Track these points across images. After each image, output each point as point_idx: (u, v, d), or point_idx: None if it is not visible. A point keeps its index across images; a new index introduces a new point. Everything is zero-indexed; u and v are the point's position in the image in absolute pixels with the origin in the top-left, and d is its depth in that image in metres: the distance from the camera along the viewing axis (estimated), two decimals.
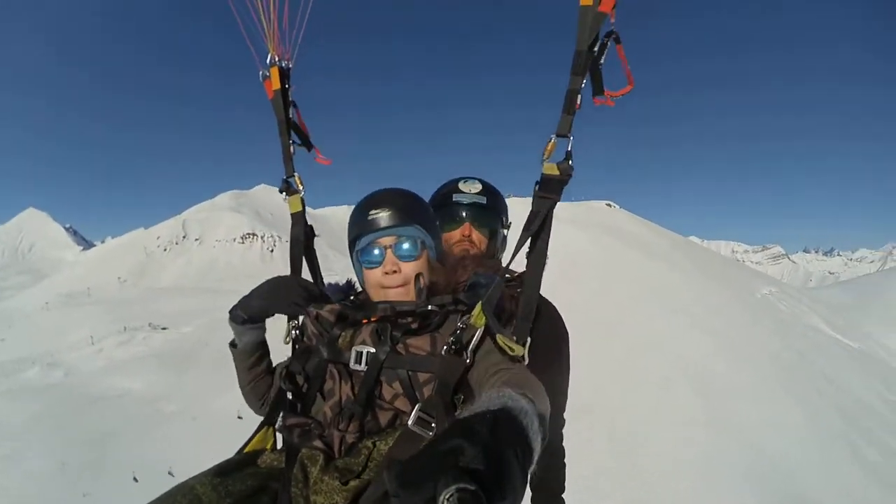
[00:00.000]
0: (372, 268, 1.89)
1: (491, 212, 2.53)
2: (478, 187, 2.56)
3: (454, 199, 2.52)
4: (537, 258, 1.84)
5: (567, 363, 2.31)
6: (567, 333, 2.33)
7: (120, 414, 73.58)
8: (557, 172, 1.78)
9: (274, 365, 2.21)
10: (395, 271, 1.85)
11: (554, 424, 2.24)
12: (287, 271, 2.32)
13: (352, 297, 2.05)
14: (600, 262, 50.92)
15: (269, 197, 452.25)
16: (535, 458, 1.10)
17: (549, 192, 1.79)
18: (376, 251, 1.88)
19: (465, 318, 1.74)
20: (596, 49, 1.76)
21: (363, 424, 1.68)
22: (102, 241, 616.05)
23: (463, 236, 2.46)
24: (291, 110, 2.44)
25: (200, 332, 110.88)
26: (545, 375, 1.87)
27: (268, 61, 2.39)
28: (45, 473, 53.25)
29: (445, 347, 1.68)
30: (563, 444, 2.42)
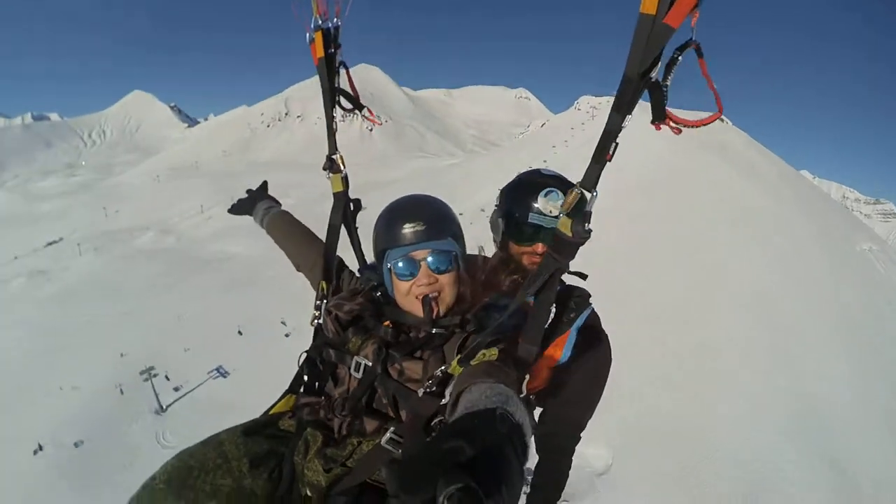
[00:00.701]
0: (406, 280, 1.89)
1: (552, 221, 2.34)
2: (560, 205, 2.05)
3: (531, 220, 2.29)
4: (538, 316, 1.79)
5: (600, 394, 2.30)
6: (610, 362, 2.29)
7: (226, 275, 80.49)
8: (570, 234, 1.65)
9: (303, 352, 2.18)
10: (431, 283, 1.87)
11: (569, 437, 2.28)
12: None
13: (380, 293, 2.04)
14: (694, 177, 47.81)
15: (368, 76, 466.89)
16: (528, 455, 1.13)
17: (558, 253, 1.70)
18: (408, 264, 1.88)
19: (445, 367, 1.73)
20: (654, 74, 1.47)
21: (354, 422, 1.81)
22: (205, 119, 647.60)
23: (536, 253, 2.30)
24: (338, 78, 2.30)
25: (300, 204, 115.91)
26: (581, 402, 2.21)
27: (311, 25, 2.19)
28: (164, 326, 59.11)
29: (425, 387, 1.72)
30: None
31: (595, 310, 2.27)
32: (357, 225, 2.39)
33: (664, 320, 29.81)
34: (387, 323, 1.96)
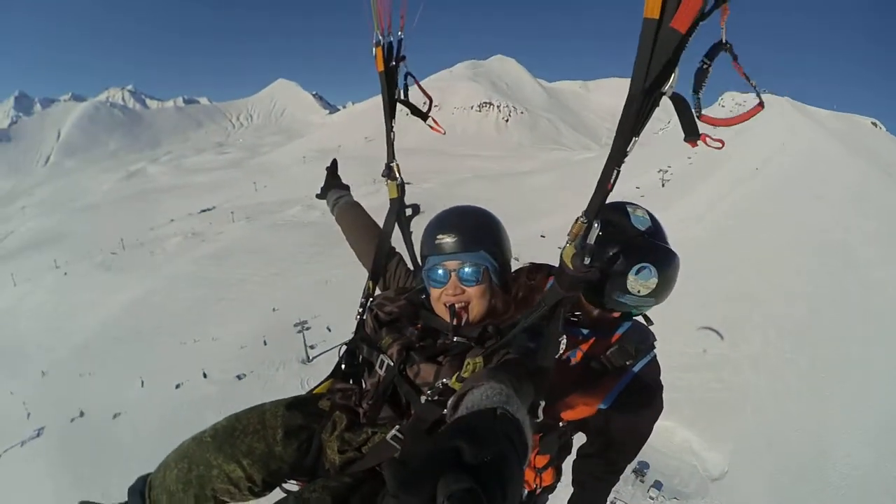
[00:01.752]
0: (437, 287, 2.07)
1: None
2: (650, 286, 2.20)
3: (619, 300, 2.23)
4: (547, 351, 1.79)
5: (641, 444, 2.39)
6: (657, 416, 2.34)
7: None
8: (571, 267, 1.59)
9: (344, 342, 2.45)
10: (458, 294, 2.02)
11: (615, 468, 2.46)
12: None
13: (424, 297, 2.23)
14: (852, 184, 44.77)
15: (503, 68, 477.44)
16: (529, 455, 1.15)
17: (559, 283, 1.68)
18: (441, 272, 2.04)
19: (446, 379, 1.85)
20: (668, 88, 1.32)
21: (373, 413, 1.99)
22: (344, 106, 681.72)
23: (601, 313, 2.35)
24: (400, 89, 2.47)
25: (439, 188, 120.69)
26: (621, 449, 2.36)
27: (373, 41, 2.35)
28: (312, 288, 64.63)
29: (428, 395, 1.85)
30: None
31: (656, 358, 2.31)
32: (412, 230, 2.57)
33: (796, 333, 29.05)
34: (418, 326, 2.13)
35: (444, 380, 1.84)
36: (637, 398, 2.20)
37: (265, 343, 50.95)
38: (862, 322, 28.58)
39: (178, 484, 1.92)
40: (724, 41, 1.26)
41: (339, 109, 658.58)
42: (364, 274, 2.54)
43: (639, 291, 2.13)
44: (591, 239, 1.55)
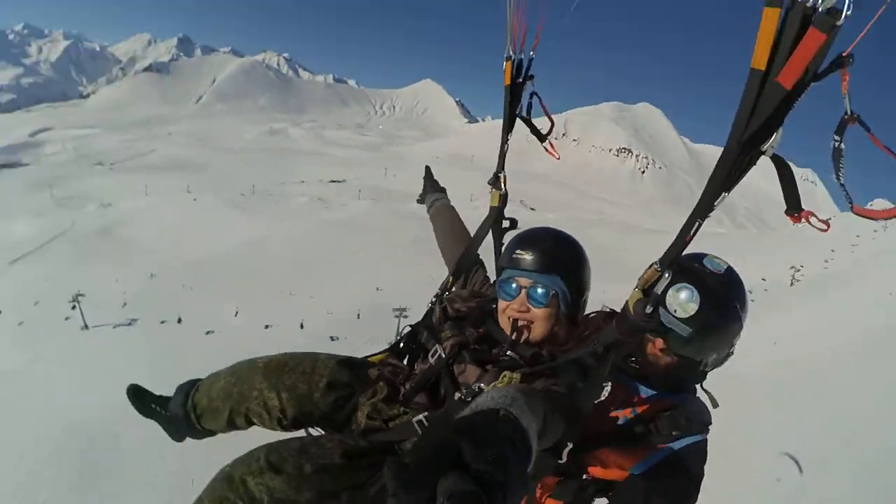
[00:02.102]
0: (506, 300, 2.09)
1: (690, 344, 2.13)
2: (690, 309, 2.08)
3: (661, 320, 2.12)
4: (594, 387, 1.82)
5: None
6: (701, 478, 2.18)
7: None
8: (634, 315, 1.54)
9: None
10: (523, 311, 2.04)
11: None
12: None
13: (494, 306, 2.22)
14: None
15: (650, 116, 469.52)
16: (534, 457, 1.17)
17: (621, 328, 1.64)
18: (514, 286, 2.06)
19: (482, 384, 1.88)
20: (768, 148, 1.23)
21: (412, 394, 2.02)
22: (483, 119, 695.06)
23: (650, 346, 2.23)
24: (523, 106, 2.50)
25: (561, 221, 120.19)
26: None
27: (504, 55, 2.44)
28: (418, 279, 65.44)
29: (462, 394, 1.91)
30: None
31: (706, 442, 2.20)
32: (503, 242, 2.49)
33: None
34: (479, 330, 2.15)
35: (482, 384, 1.88)
36: (672, 476, 2.11)
37: (358, 317, 52.73)
38: None
39: (220, 393, 2.11)
40: (848, 112, 1.15)
41: (478, 121, 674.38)
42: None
43: (675, 311, 2.05)
44: (660, 289, 1.49)
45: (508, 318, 2.06)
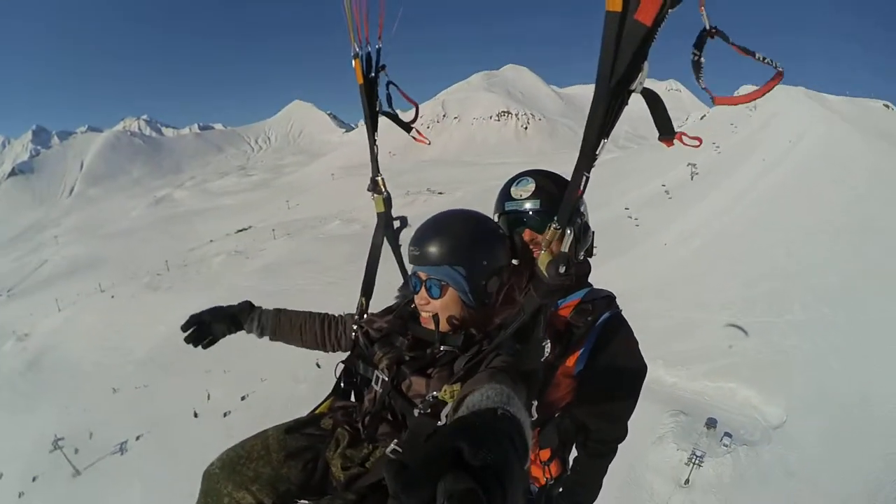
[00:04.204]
0: (414, 293, 2.07)
1: (545, 216, 2.27)
2: (530, 188, 2.37)
3: (506, 209, 2.40)
4: (532, 355, 1.81)
5: (635, 401, 2.34)
6: (643, 368, 2.33)
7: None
8: (546, 275, 1.62)
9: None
10: (423, 304, 2.01)
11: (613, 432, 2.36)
12: None
13: (414, 305, 2.16)
14: (866, 164, 46.43)
15: (518, 75, 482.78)
16: (529, 456, 1.18)
17: (538, 292, 1.70)
18: (415, 281, 2.03)
19: (435, 394, 1.84)
20: (635, 86, 1.29)
21: (371, 429, 1.99)
22: (356, 125, 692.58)
23: (530, 242, 2.33)
24: (382, 100, 2.45)
25: (470, 197, 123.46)
26: (609, 398, 2.25)
27: (351, 54, 2.35)
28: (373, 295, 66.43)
29: (420, 408, 1.83)
30: None
31: (622, 314, 2.33)
32: (400, 243, 2.44)
33: (832, 299, 31.10)
34: (408, 337, 2.09)
35: (434, 392, 1.85)
36: (608, 350, 2.21)
37: (318, 365, 51.43)
38: (892, 285, 30.46)
39: None
40: (707, 27, 1.19)
41: (353, 128, 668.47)
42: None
43: (521, 196, 2.31)
44: (566, 247, 1.56)
45: (423, 312, 2.06)
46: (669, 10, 1.14)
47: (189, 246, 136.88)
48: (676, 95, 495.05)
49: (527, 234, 2.31)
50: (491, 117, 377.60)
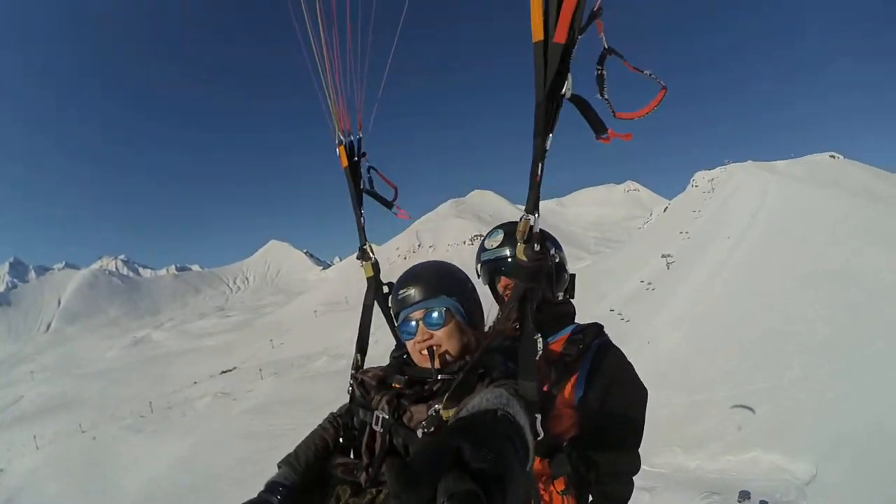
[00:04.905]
0: (410, 339, 2.15)
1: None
2: (499, 239, 2.68)
3: (483, 259, 2.70)
4: (526, 346, 1.83)
5: (640, 424, 2.35)
6: (644, 391, 2.37)
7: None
8: (525, 258, 1.78)
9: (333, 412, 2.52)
10: (427, 339, 2.09)
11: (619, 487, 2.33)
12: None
13: (405, 357, 2.28)
14: (827, 214, 49.42)
15: (483, 200, 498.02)
16: (532, 457, 1.23)
17: (521, 278, 1.82)
18: (412, 324, 2.13)
19: (437, 407, 1.89)
20: (566, 91, 1.56)
21: (376, 469, 2.01)
22: (331, 263, 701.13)
23: (505, 289, 2.64)
24: (365, 181, 2.73)
25: None
26: (613, 423, 2.29)
27: (335, 141, 2.67)
28: None
29: (421, 428, 1.89)
30: None
31: (608, 340, 2.43)
32: (391, 305, 2.38)
33: (827, 349, 31.45)
34: (395, 386, 2.15)
35: (437, 407, 1.89)
36: (604, 369, 2.29)
37: None
38: (880, 324, 30.45)
39: None
40: (606, 47, 1.55)
41: (329, 265, 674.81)
42: None
43: (492, 246, 2.59)
44: (536, 228, 1.76)
45: (420, 352, 2.11)
46: (579, 35, 1.49)
47: (171, 388, 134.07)
48: (636, 195, 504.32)
49: (503, 282, 2.63)
50: (464, 242, 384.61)
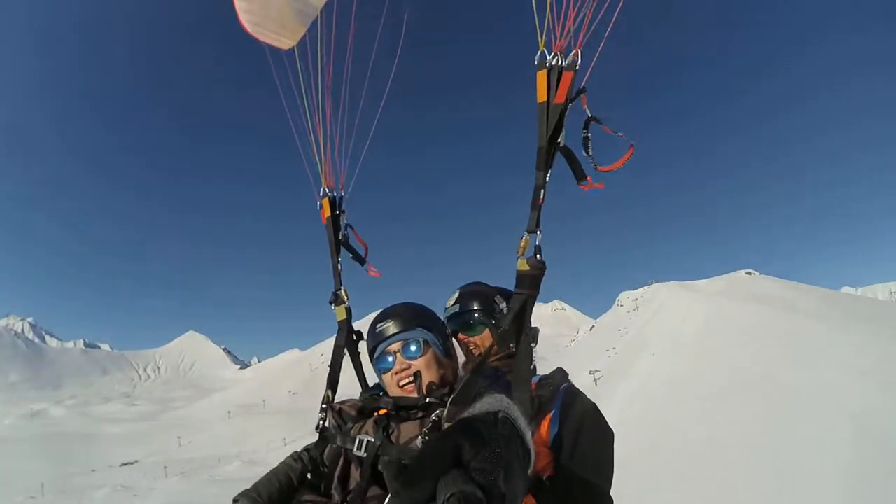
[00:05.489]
0: (386, 372, 2.26)
1: (468, 314, 2.81)
2: (454, 298, 2.90)
3: (444, 317, 2.83)
4: (522, 351, 2.00)
5: (611, 467, 2.28)
6: (611, 433, 2.34)
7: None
8: (528, 268, 1.95)
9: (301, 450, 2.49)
10: (404, 369, 2.20)
11: None
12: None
13: (381, 394, 2.35)
14: (747, 326, 53.72)
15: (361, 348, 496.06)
16: (533, 461, 1.22)
17: (523, 287, 1.97)
18: (389, 358, 2.24)
19: (440, 411, 1.97)
20: (560, 140, 1.95)
21: (363, 490, 2.01)
22: (248, 363, 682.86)
23: (467, 346, 2.77)
24: (343, 233, 2.92)
25: None
26: (590, 483, 2.14)
27: (320, 193, 2.96)
28: None
29: (422, 434, 1.94)
30: None
31: (572, 385, 2.42)
32: (367, 341, 2.49)
33: (754, 450, 30.58)
34: (381, 412, 2.21)
35: (438, 412, 1.95)
36: (576, 407, 2.29)
37: None
38: (799, 426, 30.81)
39: None
40: (590, 116, 1.97)
41: (248, 365, 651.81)
42: None
43: (451, 304, 2.88)
44: (538, 241, 1.97)
45: (398, 384, 2.22)
46: (571, 102, 1.95)
47: (68, 471, 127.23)
48: (562, 314, 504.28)
49: (460, 336, 2.82)
50: None
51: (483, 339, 2.75)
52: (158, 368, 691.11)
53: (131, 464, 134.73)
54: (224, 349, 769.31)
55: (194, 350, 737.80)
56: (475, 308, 2.81)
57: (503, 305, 2.79)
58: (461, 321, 2.83)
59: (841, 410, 28.66)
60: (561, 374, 2.46)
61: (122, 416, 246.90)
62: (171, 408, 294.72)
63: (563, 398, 2.27)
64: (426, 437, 1.89)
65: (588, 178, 1.98)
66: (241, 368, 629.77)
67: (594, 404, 2.38)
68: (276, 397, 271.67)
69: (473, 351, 2.75)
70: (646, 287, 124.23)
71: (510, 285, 2.09)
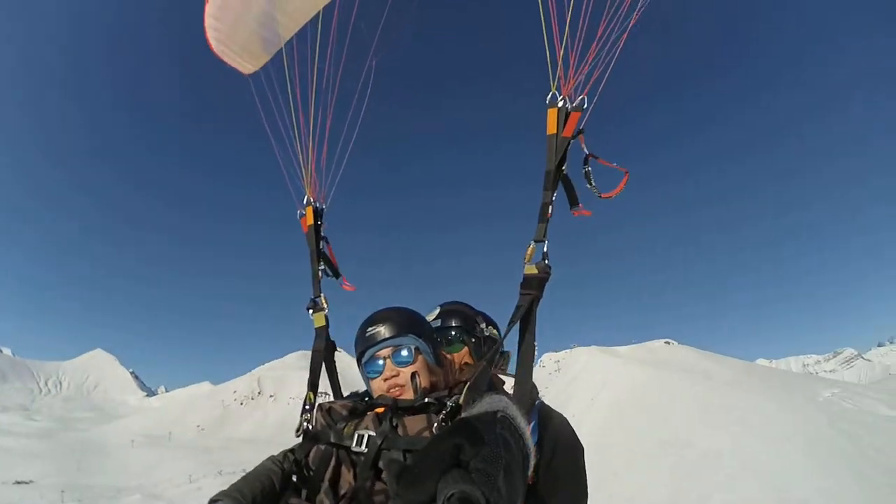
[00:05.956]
0: (375, 377, 2.22)
1: (447, 330, 2.85)
2: (434, 313, 2.93)
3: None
4: (527, 347, 2.16)
5: (585, 476, 2.46)
6: (582, 446, 2.50)
7: None
8: (536, 271, 2.19)
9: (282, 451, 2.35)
10: (394, 376, 2.16)
11: None
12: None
13: (365, 400, 2.33)
14: (663, 394, 56.41)
15: (340, 358, 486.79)
16: (532, 461, 1.25)
17: (530, 288, 2.17)
18: (379, 362, 2.20)
19: (454, 398, 1.99)
20: (565, 168, 2.28)
21: (367, 486, 1.94)
22: (156, 391, 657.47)
23: (448, 362, 2.67)
24: (322, 243, 3.07)
25: None
26: (569, 491, 2.37)
27: (304, 201, 3.12)
28: None
29: (436, 425, 1.95)
30: None
31: (542, 401, 2.49)
32: (355, 346, 2.42)
33: None
34: (378, 410, 2.14)
35: (455, 398, 1.97)
36: (553, 421, 2.44)
37: None
38: (712, 485, 32.76)
39: None
40: (587, 154, 2.31)
41: (155, 394, 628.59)
42: None
43: (429, 318, 2.79)
44: (545, 248, 2.25)
45: (387, 390, 2.19)
46: (573, 139, 2.28)
47: None
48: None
49: (463, 358, 2.82)
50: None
51: (461, 356, 2.80)
52: (60, 384, 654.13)
53: (26, 483, 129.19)
54: (132, 373, 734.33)
55: (100, 369, 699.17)
56: (454, 325, 2.87)
57: (485, 327, 2.92)
58: (439, 336, 2.78)
59: (758, 476, 30.86)
60: (535, 388, 2.41)
61: (18, 429, 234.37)
62: (74, 428, 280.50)
63: (539, 410, 2.40)
64: (443, 425, 1.91)
65: (580, 204, 2.41)
66: (146, 396, 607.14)
67: (566, 419, 2.58)
68: (184, 431, 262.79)
69: (458, 366, 2.77)
70: (568, 350, 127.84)
71: (488, 308, 2.77)
